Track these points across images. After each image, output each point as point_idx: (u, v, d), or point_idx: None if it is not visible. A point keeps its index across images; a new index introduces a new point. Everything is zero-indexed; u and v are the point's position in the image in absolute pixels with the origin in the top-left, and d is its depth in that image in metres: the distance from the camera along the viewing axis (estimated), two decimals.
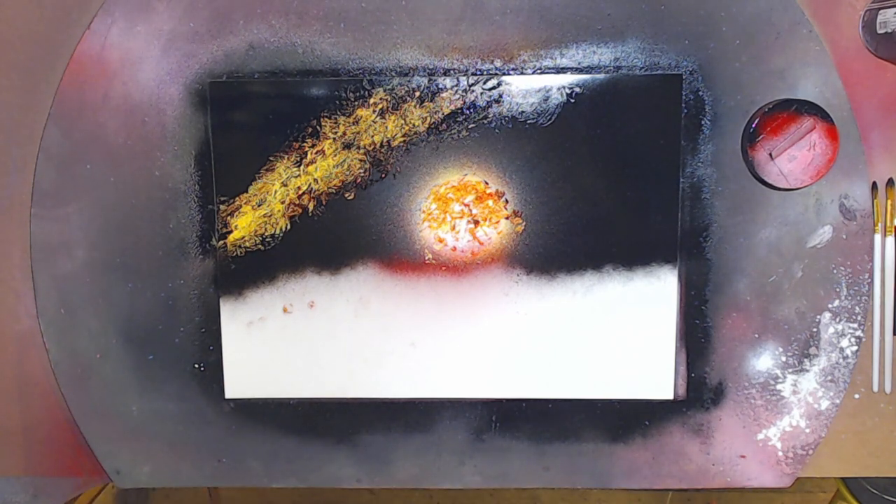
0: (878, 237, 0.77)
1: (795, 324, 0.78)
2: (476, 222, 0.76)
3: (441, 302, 0.78)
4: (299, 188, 0.77)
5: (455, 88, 0.75)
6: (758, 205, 0.76)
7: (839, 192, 0.76)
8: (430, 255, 0.77)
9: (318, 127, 0.76)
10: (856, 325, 0.77)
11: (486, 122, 0.75)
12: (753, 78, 0.75)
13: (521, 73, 0.75)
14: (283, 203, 0.77)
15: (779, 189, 0.73)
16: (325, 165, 0.77)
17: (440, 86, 0.75)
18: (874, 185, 0.76)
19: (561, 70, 0.75)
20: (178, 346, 0.80)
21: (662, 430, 0.80)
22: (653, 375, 0.79)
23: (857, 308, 0.77)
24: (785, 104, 0.71)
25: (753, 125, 0.71)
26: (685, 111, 0.75)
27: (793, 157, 0.70)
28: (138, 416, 0.81)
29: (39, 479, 0.83)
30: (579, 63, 0.75)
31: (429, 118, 0.76)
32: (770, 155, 0.70)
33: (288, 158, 0.77)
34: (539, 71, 0.75)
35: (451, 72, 0.76)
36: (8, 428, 0.83)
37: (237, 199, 0.77)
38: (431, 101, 0.75)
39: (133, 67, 0.76)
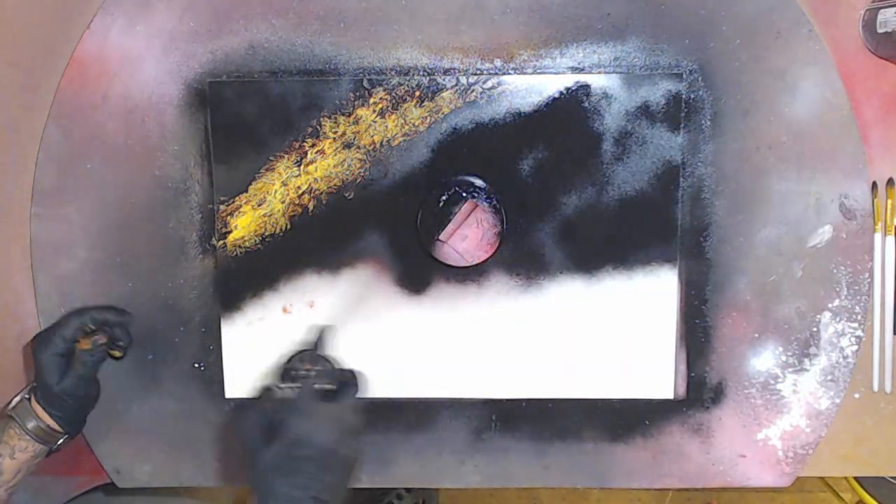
0: (878, 237, 0.77)
1: (795, 323, 0.78)
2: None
3: (441, 302, 0.78)
4: (299, 188, 0.77)
5: (455, 88, 0.75)
6: (758, 205, 0.76)
7: (839, 192, 0.76)
8: (430, 255, 0.77)
9: (318, 127, 0.76)
10: (856, 325, 0.77)
11: (486, 121, 0.75)
12: (753, 77, 0.75)
13: (521, 73, 0.75)
14: (283, 203, 0.77)
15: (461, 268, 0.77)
16: (325, 165, 0.77)
17: (440, 85, 0.75)
18: (874, 185, 0.76)
19: (561, 70, 0.75)
20: (178, 346, 0.80)
21: (662, 429, 0.80)
22: (653, 375, 0.79)
23: (857, 308, 0.77)
24: (442, 188, 0.76)
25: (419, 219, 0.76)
26: (685, 111, 0.75)
27: (464, 237, 0.75)
28: (138, 416, 0.81)
29: (39, 479, 0.83)
30: (579, 63, 0.75)
31: (429, 118, 0.76)
32: (441, 241, 0.75)
33: (288, 158, 0.77)
34: (539, 71, 0.75)
35: (451, 71, 0.76)
36: None
37: (237, 199, 0.77)
38: (431, 100, 0.75)
39: (133, 67, 0.76)
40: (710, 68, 0.75)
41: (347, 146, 0.76)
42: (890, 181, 0.77)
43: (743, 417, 0.79)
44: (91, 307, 0.75)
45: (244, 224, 0.78)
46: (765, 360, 0.78)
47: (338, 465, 0.61)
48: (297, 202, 0.77)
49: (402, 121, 0.76)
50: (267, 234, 0.78)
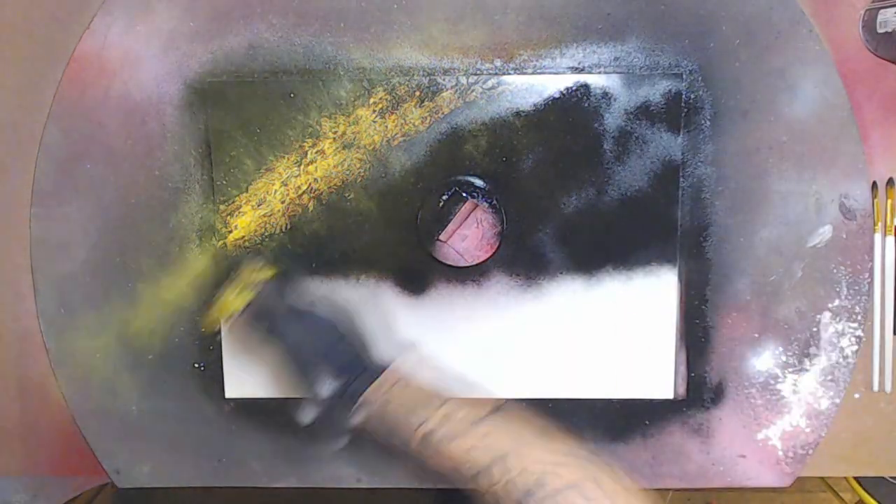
0: (878, 237, 0.77)
1: (795, 323, 0.78)
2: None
3: (441, 301, 0.78)
4: (299, 188, 0.77)
5: (455, 88, 0.75)
6: (758, 205, 0.76)
7: (839, 192, 0.76)
8: (430, 255, 0.77)
9: (318, 127, 0.76)
10: (856, 325, 0.77)
11: (486, 121, 0.75)
12: (753, 78, 0.75)
13: (521, 73, 0.75)
14: (283, 203, 0.77)
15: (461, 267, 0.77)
16: (325, 165, 0.77)
17: (440, 85, 0.75)
18: (874, 185, 0.76)
19: (561, 70, 0.75)
20: (178, 346, 0.80)
21: (662, 429, 0.80)
22: (653, 375, 0.79)
23: (857, 308, 0.77)
24: (442, 188, 0.76)
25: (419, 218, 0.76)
26: (685, 111, 0.75)
27: (464, 237, 0.75)
28: (138, 416, 0.81)
29: (39, 479, 0.84)
30: (579, 63, 0.75)
31: (429, 118, 0.76)
32: (441, 241, 0.75)
33: (288, 158, 0.77)
34: (539, 71, 0.75)
35: (451, 71, 0.76)
36: (8, 428, 0.83)
37: (237, 199, 0.77)
38: (431, 100, 0.75)
39: (133, 67, 0.76)
40: (710, 68, 0.75)
41: (347, 146, 0.76)
42: (890, 181, 0.77)
43: (743, 417, 0.79)
44: None
45: (244, 224, 0.78)
46: (765, 360, 0.78)
47: None
48: (297, 202, 0.77)
49: (402, 121, 0.76)
50: (267, 234, 0.78)
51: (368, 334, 0.69)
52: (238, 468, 0.82)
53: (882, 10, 0.72)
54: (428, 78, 0.75)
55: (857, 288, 0.77)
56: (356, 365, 0.66)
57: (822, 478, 1.46)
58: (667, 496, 1.54)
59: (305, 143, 0.76)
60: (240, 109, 0.76)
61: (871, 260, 0.77)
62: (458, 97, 0.75)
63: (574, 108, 0.75)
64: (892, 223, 0.77)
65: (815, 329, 0.78)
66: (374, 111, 0.76)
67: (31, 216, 0.78)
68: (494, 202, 0.76)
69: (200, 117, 0.77)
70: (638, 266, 0.77)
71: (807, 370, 0.78)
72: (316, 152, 0.76)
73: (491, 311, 0.78)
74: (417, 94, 0.75)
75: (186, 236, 0.79)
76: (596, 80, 0.74)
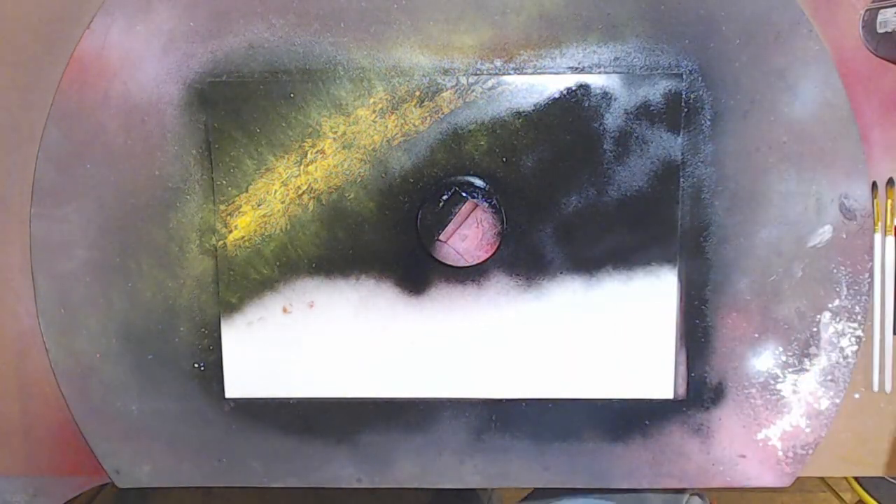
0: (878, 237, 0.77)
1: (795, 323, 0.78)
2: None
3: (441, 302, 0.78)
4: (299, 188, 0.77)
5: (455, 88, 0.75)
6: (758, 205, 0.76)
7: (839, 192, 0.76)
8: (430, 255, 0.77)
9: (318, 127, 0.76)
10: (856, 325, 0.78)
11: (486, 121, 0.75)
12: (753, 77, 0.75)
13: (521, 73, 0.75)
14: (283, 203, 0.77)
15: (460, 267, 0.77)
16: (325, 165, 0.77)
17: (440, 85, 0.75)
18: (874, 185, 0.76)
19: (561, 70, 0.75)
20: (178, 346, 0.80)
21: (662, 429, 0.80)
22: (653, 375, 0.79)
23: (857, 308, 0.77)
24: (442, 188, 0.76)
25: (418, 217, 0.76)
26: (685, 111, 0.75)
27: (464, 237, 0.75)
28: (138, 416, 0.81)
29: (39, 479, 0.84)
30: (579, 63, 0.75)
31: (429, 118, 0.76)
32: (441, 241, 0.75)
33: (288, 158, 0.77)
34: (539, 71, 0.75)
35: (451, 71, 0.76)
36: (8, 428, 0.83)
37: (237, 199, 0.77)
38: (431, 100, 0.75)
39: (133, 67, 0.76)
40: (710, 68, 0.75)
41: (347, 146, 0.76)
42: (890, 181, 0.77)
43: (743, 417, 0.79)
44: None
45: (244, 224, 0.78)
46: (765, 360, 0.78)
47: None
48: (297, 202, 0.77)
49: (402, 121, 0.76)
50: (267, 234, 0.78)
51: None
52: (238, 468, 0.82)
53: (882, 10, 0.72)
54: (428, 78, 0.75)
55: (857, 288, 0.77)
56: None
57: (822, 478, 1.46)
58: None
59: (305, 143, 0.76)
60: (240, 109, 0.76)
61: (871, 260, 0.77)
62: (458, 97, 0.75)
63: (574, 108, 0.75)
64: (892, 223, 0.77)
65: (815, 329, 0.78)
66: (374, 111, 0.76)
67: (31, 216, 0.78)
68: (494, 202, 0.76)
69: (200, 117, 0.77)
70: (638, 266, 0.77)
71: (807, 370, 0.78)
72: (316, 152, 0.76)
73: (491, 311, 0.78)
74: (417, 94, 0.75)
75: (186, 236, 0.79)
76: (596, 80, 0.74)
